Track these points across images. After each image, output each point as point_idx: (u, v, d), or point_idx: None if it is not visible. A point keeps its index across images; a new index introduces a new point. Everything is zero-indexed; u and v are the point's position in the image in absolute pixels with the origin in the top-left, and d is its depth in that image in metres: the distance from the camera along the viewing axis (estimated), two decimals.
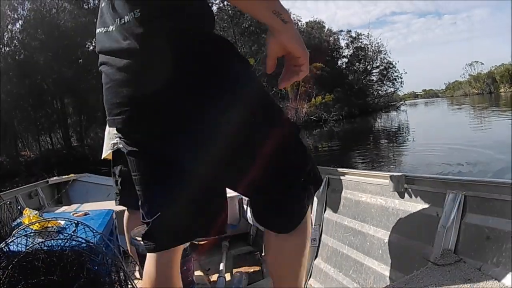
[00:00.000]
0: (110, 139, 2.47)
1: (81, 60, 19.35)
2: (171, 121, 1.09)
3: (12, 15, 18.14)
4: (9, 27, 18.17)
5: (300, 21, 36.66)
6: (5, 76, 15.48)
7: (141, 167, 1.21)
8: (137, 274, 2.16)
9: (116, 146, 2.42)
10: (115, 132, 2.42)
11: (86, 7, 19.89)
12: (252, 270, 2.54)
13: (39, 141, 19.09)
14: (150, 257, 1.26)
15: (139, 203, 1.26)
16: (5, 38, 17.77)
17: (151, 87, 1.05)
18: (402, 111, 36.62)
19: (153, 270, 1.24)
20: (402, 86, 39.33)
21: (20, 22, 18.60)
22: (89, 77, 18.72)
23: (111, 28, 1.10)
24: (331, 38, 37.34)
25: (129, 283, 1.62)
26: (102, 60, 1.15)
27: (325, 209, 2.39)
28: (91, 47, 20.30)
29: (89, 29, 19.35)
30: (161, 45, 1.02)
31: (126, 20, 1.05)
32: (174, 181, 1.18)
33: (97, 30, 1.17)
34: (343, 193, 2.27)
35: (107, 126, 2.51)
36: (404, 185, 1.80)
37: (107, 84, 1.13)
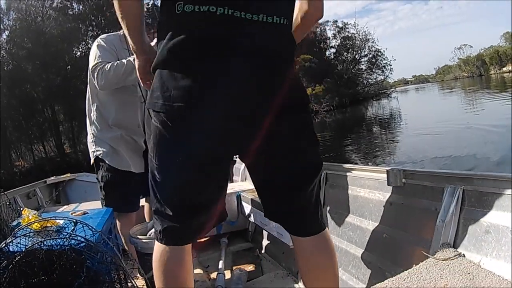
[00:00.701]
0: (90, 148, 2.53)
1: (69, 67, 19.23)
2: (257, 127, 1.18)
3: None
4: None
5: None
6: None
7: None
8: (136, 272, 2.16)
9: (95, 154, 2.47)
10: (92, 140, 2.48)
11: (71, 13, 19.78)
12: (251, 266, 2.54)
13: (32, 150, 19.04)
14: (172, 250, 1.30)
15: (166, 194, 1.27)
16: None
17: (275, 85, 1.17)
18: (393, 98, 36.74)
19: (179, 262, 1.32)
20: (391, 73, 39.76)
21: (7, 32, 18.49)
22: (78, 83, 18.62)
23: (241, 15, 1.10)
24: (317, 29, 37.32)
25: (129, 281, 1.61)
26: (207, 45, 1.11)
27: (324, 205, 2.39)
28: (78, 53, 20.22)
29: (75, 35, 19.25)
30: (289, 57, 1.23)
31: (277, 22, 1.15)
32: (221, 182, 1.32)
33: (210, 8, 1.09)
34: (341, 188, 2.28)
35: (89, 134, 2.55)
36: (402, 180, 1.81)
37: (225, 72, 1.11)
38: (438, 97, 32.06)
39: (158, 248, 1.32)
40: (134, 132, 2.48)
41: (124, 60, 2.28)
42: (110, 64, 2.28)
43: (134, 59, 2.01)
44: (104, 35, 2.48)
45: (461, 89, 35.44)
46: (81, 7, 19.97)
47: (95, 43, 2.42)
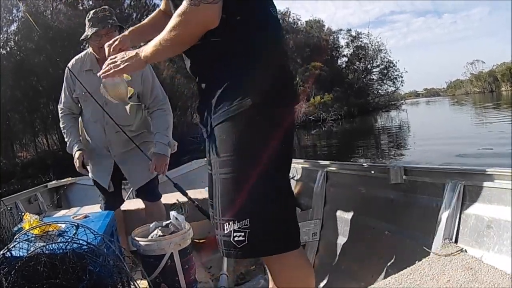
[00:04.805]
0: None
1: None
2: None
3: (8, 17, 18.00)
4: (5, 29, 18.04)
5: (299, 20, 36.59)
6: (2, 78, 15.40)
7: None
8: (139, 275, 2.16)
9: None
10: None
11: (81, 8, 19.71)
12: (253, 267, 2.54)
13: (35, 142, 19.01)
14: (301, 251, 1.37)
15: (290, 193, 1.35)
16: (1, 41, 17.66)
17: None
18: (403, 110, 36.33)
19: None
20: (402, 85, 38.99)
21: (15, 24, 18.45)
22: None
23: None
24: (330, 37, 37.12)
25: (132, 284, 1.61)
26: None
27: (325, 203, 2.39)
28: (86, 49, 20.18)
29: (84, 30, 19.22)
30: None
31: None
32: None
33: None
34: (342, 187, 2.28)
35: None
36: (403, 177, 1.81)
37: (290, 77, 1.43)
38: (449, 112, 31.64)
39: (292, 258, 1.31)
40: (100, 150, 2.56)
41: (72, 139, 2.50)
42: (66, 128, 2.54)
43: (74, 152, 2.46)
44: (73, 60, 2.55)
45: (472, 104, 35.14)
46: (91, 2, 19.83)
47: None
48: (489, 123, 16.91)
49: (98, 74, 1.48)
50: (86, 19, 2.36)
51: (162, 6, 1.65)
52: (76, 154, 2.46)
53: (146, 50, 1.34)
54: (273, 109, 1.28)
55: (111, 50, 1.52)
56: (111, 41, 1.55)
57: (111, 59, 1.44)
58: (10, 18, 18.26)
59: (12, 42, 18.00)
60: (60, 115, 2.57)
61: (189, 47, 1.30)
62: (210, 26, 1.20)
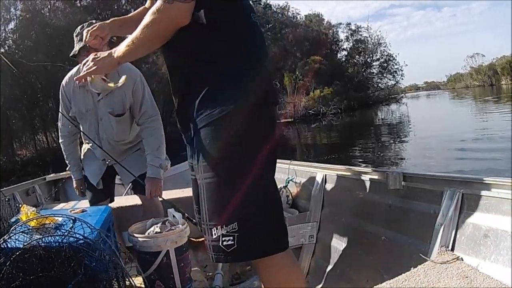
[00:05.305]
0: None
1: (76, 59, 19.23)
2: None
3: (5, 16, 17.96)
4: (3, 27, 18.00)
5: (298, 14, 36.50)
6: (1, 77, 15.42)
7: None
8: (134, 271, 2.15)
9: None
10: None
11: (79, 5, 19.65)
12: (248, 267, 2.54)
13: (35, 140, 19.02)
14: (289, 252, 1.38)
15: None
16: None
17: None
18: (403, 103, 36.19)
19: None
20: (402, 79, 38.80)
21: (13, 22, 18.40)
22: None
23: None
24: (330, 31, 36.98)
25: (127, 279, 1.62)
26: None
27: (322, 206, 2.38)
28: None
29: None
30: None
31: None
32: None
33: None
34: (340, 190, 2.27)
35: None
36: (402, 183, 1.80)
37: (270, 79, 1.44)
38: (449, 105, 31.53)
39: (281, 259, 1.33)
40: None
41: (71, 166, 2.70)
42: (65, 153, 2.69)
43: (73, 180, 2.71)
44: (66, 77, 2.54)
45: (472, 98, 35.07)
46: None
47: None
48: (489, 115, 16.90)
49: (74, 78, 1.51)
50: (74, 35, 2.33)
51: (147, 3, 1.64)
52: (75, 184, 2.71)
53: (119, 49, 1.35)
54: (272, 108, 1.32)
55: (88, 35, 1.53)
56: (90, 27, 1.56)
57: (84, 62, 1.44)
58: (8, 16, 18.21)
59: (10, 40, 17.96)
60: (59, 134, 2.67)
61: (161, 44, 1.31)
62: (181, 23, 1.22)
